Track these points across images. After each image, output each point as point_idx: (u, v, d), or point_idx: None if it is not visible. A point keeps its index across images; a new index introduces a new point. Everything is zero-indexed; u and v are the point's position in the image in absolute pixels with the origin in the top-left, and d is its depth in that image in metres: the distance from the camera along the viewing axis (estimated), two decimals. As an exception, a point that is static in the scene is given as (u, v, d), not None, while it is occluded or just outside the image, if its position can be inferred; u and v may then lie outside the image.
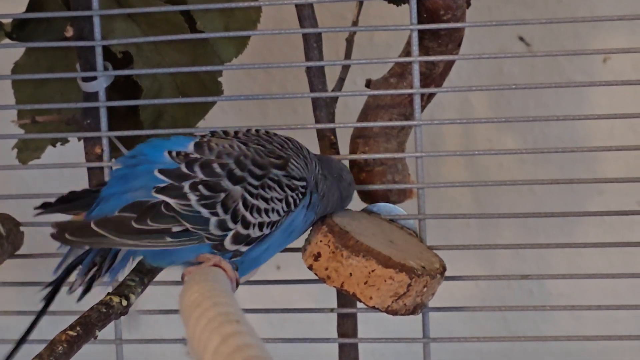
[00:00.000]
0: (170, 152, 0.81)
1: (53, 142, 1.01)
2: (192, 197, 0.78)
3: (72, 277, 0.82)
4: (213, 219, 0.79)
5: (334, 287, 0.86)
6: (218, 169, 0.80)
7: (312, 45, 0.95)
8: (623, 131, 1.22)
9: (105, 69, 0.95)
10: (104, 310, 0.80)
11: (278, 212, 0.82)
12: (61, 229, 0.78)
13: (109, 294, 0.83)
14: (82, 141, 0.99)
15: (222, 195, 0.79)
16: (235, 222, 0.80)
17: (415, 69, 0.93)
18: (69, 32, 0.94)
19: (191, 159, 0.80)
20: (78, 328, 0.76)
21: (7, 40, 0.98)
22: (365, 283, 0.85)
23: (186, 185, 0.79)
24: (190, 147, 0.81)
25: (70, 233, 0.78)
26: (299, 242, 0.89)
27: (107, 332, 0.83)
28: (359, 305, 0.90)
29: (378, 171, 0.97)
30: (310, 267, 0.87)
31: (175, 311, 0.69)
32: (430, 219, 0.95)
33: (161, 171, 0.79)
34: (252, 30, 0.95)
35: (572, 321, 1.26)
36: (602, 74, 1.23)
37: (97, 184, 0.91)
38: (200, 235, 0.79)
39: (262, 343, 0.56)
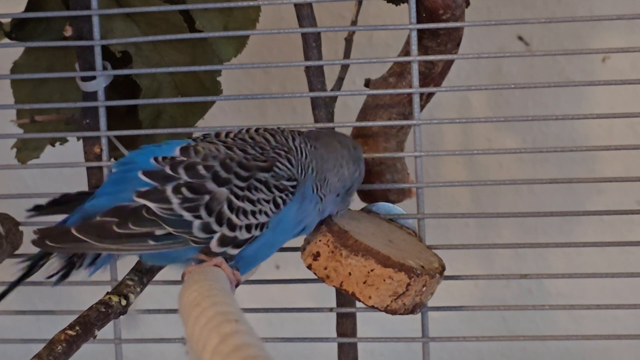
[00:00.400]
0: (156, 158, 0.80)
1: (52, 142, 1.01)
2: (174, 201, 0.78)
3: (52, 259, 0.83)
4: (196, 222, 0.78)
5: (333, 286, 0.86)
6: (203, 171, 0.79)
7: (311, 44, 0.95)
8: (622, 130, 1.22)
9: (105, 68, 0.95)
10: (103, 309, 0.80)
11: (266, 213, 0.81)
12: (42, 235, 0.79)
13: (108, 293, 0.83)
14: (81, 141, 0.99)
15: (207, 197, 0.79)
16: (220, 225, 0.79)
17: (415, 69, 0.93)
18: (68, 31, 0.94)
19: (176, 162, 0.80)
20: (77, 327, 0.76)
21: (6, 40, 0.98)
22: (365, 282, 0.85)
23: (169, 189, 0.78)
24: (177, 152, 0.81)
25: (50, 239, 0.78)
26: (298, 242, 0.89)
27: (106, 331, 0.83)
28: (358, 304, 0.90)
29: (377, 170, 0.97)
30: (309, 267, 0.87)
31: (175, 310, 0.69)
32: (429, 219, 0.95)
33: (145, 173, 0.79)
34: (251, 30, 0.95)
35: (571, 320, 1.26)
36: (601, 73, 1.23)
37: (91, 187, 0.91)
38: (185, 239, 0.79)
39: (261, 342, 0.56)
